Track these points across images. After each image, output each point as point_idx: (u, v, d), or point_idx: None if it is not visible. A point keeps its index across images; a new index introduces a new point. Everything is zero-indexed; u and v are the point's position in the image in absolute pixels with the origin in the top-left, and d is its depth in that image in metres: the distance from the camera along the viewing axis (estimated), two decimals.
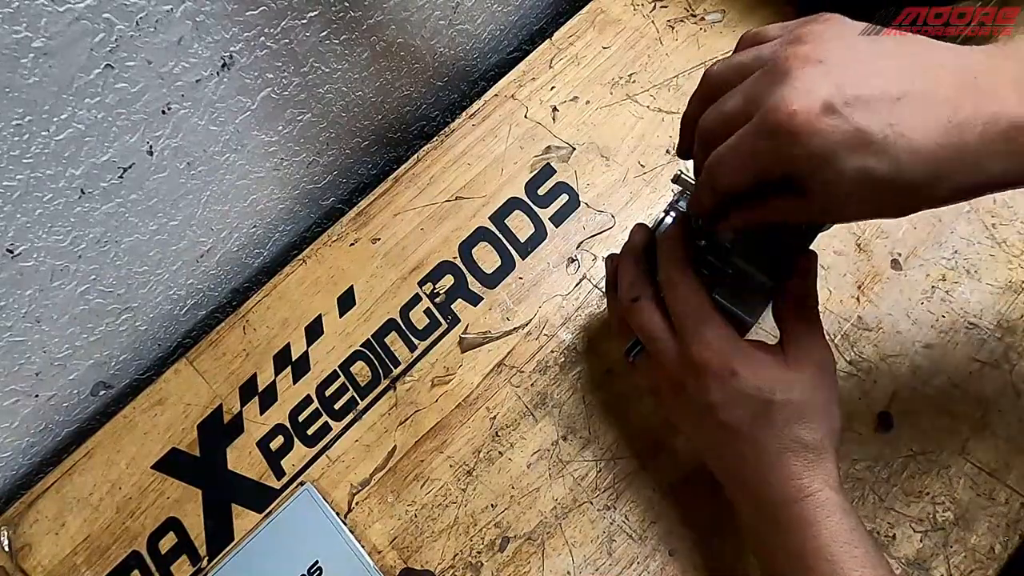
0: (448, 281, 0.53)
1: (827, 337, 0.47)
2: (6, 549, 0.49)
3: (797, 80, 0.27)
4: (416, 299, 0.53)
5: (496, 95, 0.58)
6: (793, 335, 0.36)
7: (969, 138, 0.26)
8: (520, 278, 0.53)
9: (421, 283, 0.53)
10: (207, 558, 0.48)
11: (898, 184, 0.26)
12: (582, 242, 0.53)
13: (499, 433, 0.49)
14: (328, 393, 0.51)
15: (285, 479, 0.50)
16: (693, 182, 0.39)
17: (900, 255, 0.49)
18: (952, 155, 0.26)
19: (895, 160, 0.26)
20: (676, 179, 0.40)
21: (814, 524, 0.33)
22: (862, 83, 0.26)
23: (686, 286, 0.37)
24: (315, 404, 0.51)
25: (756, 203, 0.32)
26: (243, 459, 0.50)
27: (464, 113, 0.58)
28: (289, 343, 0.53)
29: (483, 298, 0.53)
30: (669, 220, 0.40)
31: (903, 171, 0.26)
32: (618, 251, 0.41)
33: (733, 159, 0.29)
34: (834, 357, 0.36)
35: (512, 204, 0.55)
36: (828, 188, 0.27)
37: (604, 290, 0.51)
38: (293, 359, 0.53)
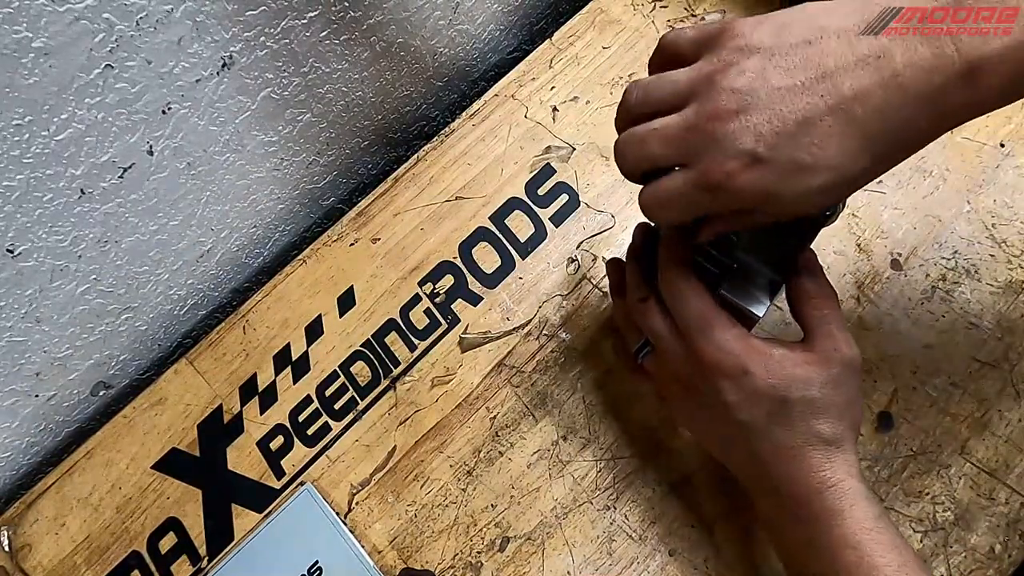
0: (448, 281, 0.53)
1: None
2: (6, 549, 0.49)
3: (723, 141, 0.29)
4: (416, 299, 0.53)
5: (496, 95, 0.58)
6: (817, 334, 0.36)
7: (889, 104, 0.27)
8: (520, 278, 0.53)
9: (421, 283, 0.53)
10: (207, 558, 0.48)
11: (841, 183, 0.29)
12: (582, 242, 0.53)
13: (499, 433, 0.49)
14: (328, 393, 0.51)
15: (285, 479, 0.50)
16: None
17: (900, 255, 0.49)
18: (879, 136, 0.28)
19: (829, 169, 0.28)
20: None
21: (838, 513, 0.33)
22: (779, 120, 0.28)
23: (687, 287, 0.37)
24: (315, 404, 0.51)
25: (717, 218, 0.33)
26: (243, 459, 0.50)
27: (464, 113, 0.58)
28: (289, 343, 0.53)
29: (483, 298, 0.53)
30: None
31: (842, 173, 0.28)
32: (619, 252, 0.41)
33: (673, 204, 0.32)
34: (860, 353, 0.36)
35: (512, 204, 0.55)
36: (777, 210, 0.30)
37: (608, 291, 0.51)
38: (293, 359, 0.53)
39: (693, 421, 0.40)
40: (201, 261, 0.55)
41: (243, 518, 0.49)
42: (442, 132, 0.58)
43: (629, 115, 0.34)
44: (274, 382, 0.52)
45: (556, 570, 0.45)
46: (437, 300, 0.53)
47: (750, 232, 0.37)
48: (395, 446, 0.49)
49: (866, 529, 0.32)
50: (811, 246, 0.38)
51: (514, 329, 0.51)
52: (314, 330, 0.53)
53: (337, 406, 0.51)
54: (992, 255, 0.48)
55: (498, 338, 0.51)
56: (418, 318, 0.53)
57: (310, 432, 0.51)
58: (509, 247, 0.54)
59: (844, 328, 0.36)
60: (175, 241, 0.51)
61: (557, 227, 0.54)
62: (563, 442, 0.48)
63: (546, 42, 0.59)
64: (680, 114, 0.31)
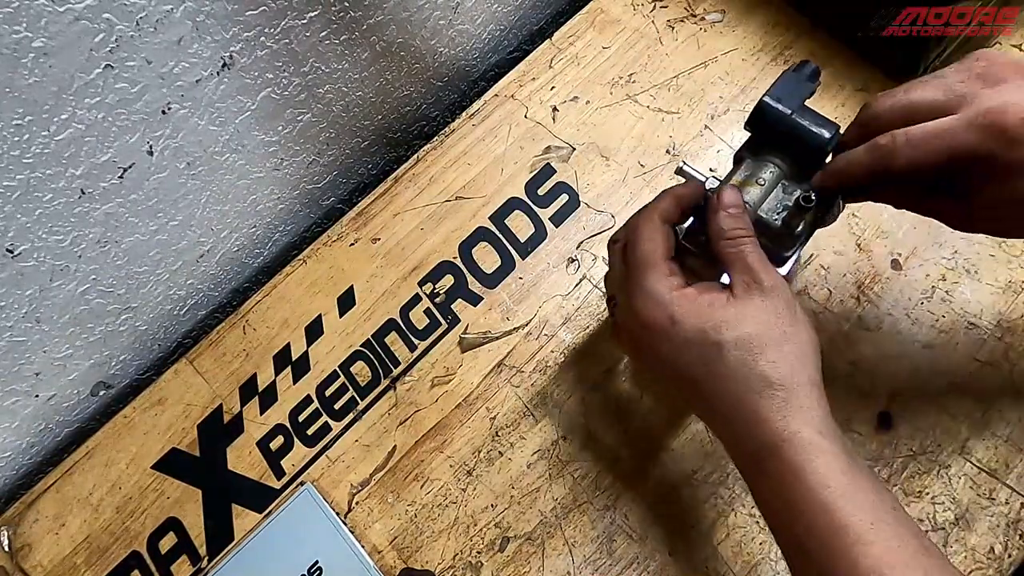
0: (448, 281, 0.53)
1: (827, 336, 0.47)
2: (6, 549, 0.49)
3: (1009, 89, 0.30)
4: (416, 299, 0.53)
5: (496, 95, 0.58)
6: (735, 269, 0.34)
7: None
8: (520, 278, 0.53)
9: (421, 283, 0.53)
10: (207, 558, 0.48)
11: None
12: (582, 242, 0.53)
13: (499, 433, 0.49)
14: (328, 393, 0.51)
15: (285, 479, 0.50)
16: (696, 173, 0.40)
17: (900, 255, 0.49)
18: None
19: None
20: (679, 171, 0.41)
21: (798, 469, 0.30)
22: None
23: (645, 232, 0.35)
24: (315, 404, 0.51)
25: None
26: (243, 459, 0.50)
27: (464, 113, 0.58)
28: (289, 343, 0.53)
29: (483, 298, 0.53)
30: None
31: None
32: None
33: (929, 141, 0.31)
34: (786, 283, 0.34)
35: (512, 204, 0.55)
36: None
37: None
38: (293, 359, 0.53)
39: (654, 377, 0.39)
40: (201, 261, 0.55)
41: (243, 518, 0.49)
42: (442, 132, 0.58)
43: (877, 121, 0.34)
44: (274, 382, 0.52)
45: (556, 570, 0.45)
46: (437, 300, 0.53)
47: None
48: (395, 446, 0.49)
49: (827, 487, 0.30)
50: (806, 242, 0.38)
51: (514, 329, 0.51)
52: (314, 330, 0.53)
53: (337, 406, 0.51)
54: (992, 255, 0.48)
55: (498, 338, 0.51)
56: (418, 318, 0.53)
57: (310, 432, 0.51)
58: (509, 247, 0.54)
59: (763, 259, 0.34)
60: (175, 241, 0.51)
61: (557, 227, 0.54)
62: (563, 442, 0.48)
63: (546, 42, 0.59)
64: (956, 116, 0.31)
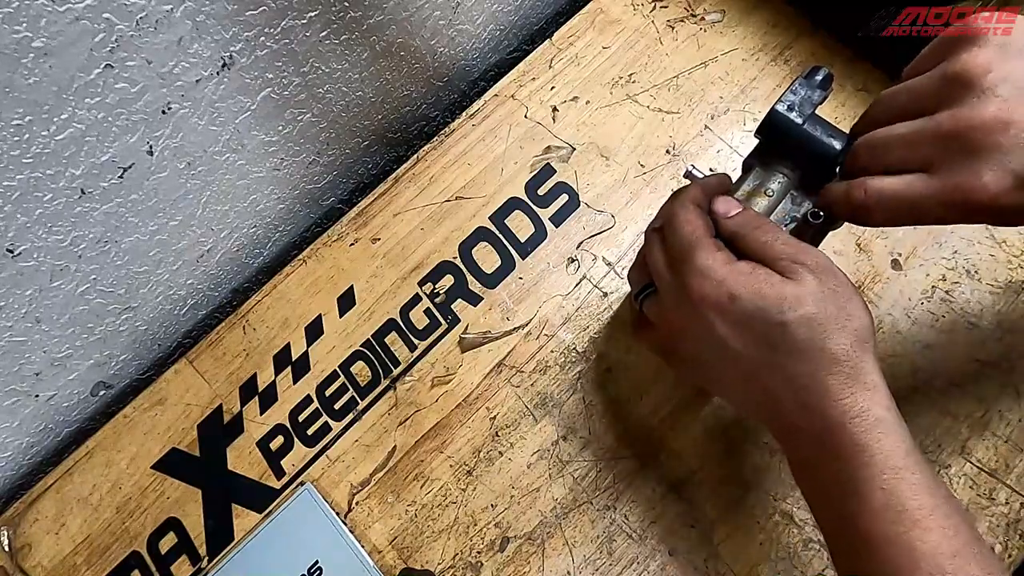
0: (448, 281, 0.53)
1: None
2: (6, 549, 0.49)
3: (986, 155, 0.29)
4: (416, 299, 0.53)
5: (496, 95, 0.58)
6: (776, 255, 0.33)
7: None
8: (520, 278, 0.53)
9: (421, 283, 0.53)
10: (207, 558, 0.48)
11: None
12: (582, 242, 0.53)
13: (499, 433, 0.49)
14: (328, 393, 0.51)
15: (285, 479, 0.50)
16: (703, 177, 0.40)
17: (900, 255, 0.49)
18: None
19: None
20: (688, 175, 0.41)
21: (864, 449, 0.30)
22: None
23: (682, 213, 0.35)
24: (315, 404, 0.51)
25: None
26: (243, 459, 0.50)
27: (464, 113, 0.58)
28: (289, 343, 0.53)
29: (483, 298, 0.53)
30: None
31: None
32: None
33: (901, 210, 0.32)
34: (829, 258, 0.33)
35: (512, 204, 0.55)
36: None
37: (607, 292, 0.51)
38: (293, 359, 0.53)
39: (698, 371, 0.37)
40: (201, 261, 0.55)
41: (243, 518, 0.49)
42: (442, 132, 0.58)
43: (874, 123, 0.33)
44: (274, 382, 0.52)
45: (556, 570, 0.45)
46: (437, 300, 0.53)
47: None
48: (395, 446, 0.49)
49: (896, 467, 0.29)
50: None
51: (514, 329, 0.51)
52: (314, 330, 0.53)
53: (337, 406, 0.51)
54: (992, 255, 0.48)
55: (498, 338, 0.51)
56: (418, 318, 0.53)
57: (310, 432, 0.51)
58: (509, 247, 0.54)
59: (793, 240, 0.34)
60: (175, 241, 0.51)
61: (557, 227, 0.54)
62: (563, 442, 0.48)
63: (546, 42, 0.59)
64: (932, 118, 0.30)
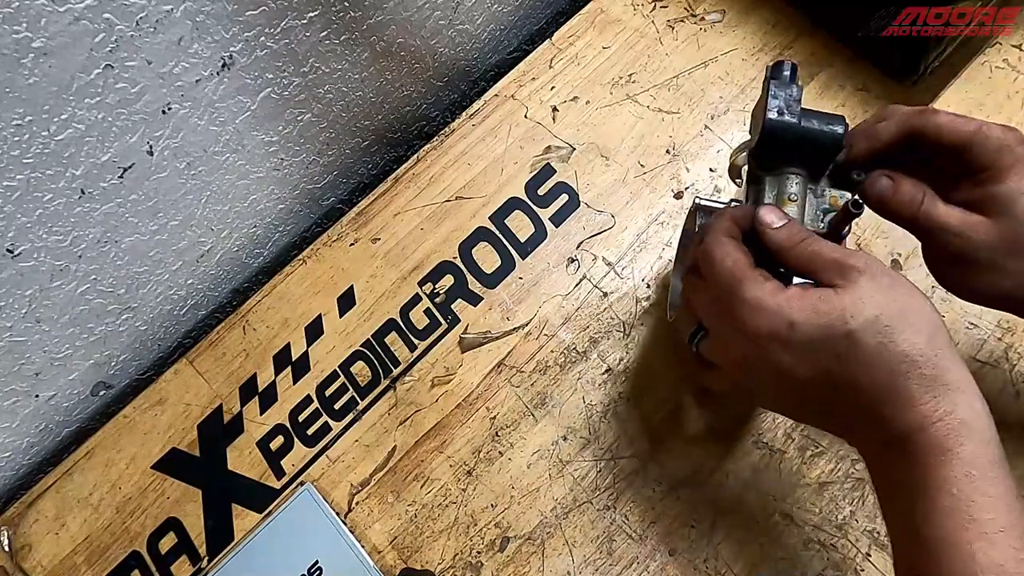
0: (448, 281, 0.53)
1: None
2: (6, 549, 0.49)
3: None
4: (416, 299, 0.53)
5: (496, 95, 0.58)
6: (817, 272, 0.32)
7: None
8: (520, 278, 0.53)
9: (421, 283, 0.53)
10: (207, 558, 0.48)
11: None
12: (582, 242, 0.53)
13: (499, 433, 0.49)
14: (328, 393, 0.51)
15: (285, 479, 0.50)
16: (715, 204, 0.40)
17: (900, 255, 0.49)
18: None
19: None
20: (697, 208, 0.41)
21: (944, 452, 0.28)
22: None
23: (719, 249, 0.34)
24: (315, 404, 0.51)
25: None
26: (243, 459, 0.50)
27: (464, 113, 0.58)
28: (289, 343, 0.53)
29: (483, 298, 0.53)
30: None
31: None
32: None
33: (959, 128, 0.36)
34: (878, 258, 0.32)
35: (512, 204, 0.55)
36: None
37: (607, 292, 0.51)
38: (293, 359, 0.53)
39: (778, 402, 0.35)
40: (201, 261, 0.55)
41: (243, 518, 0.49)
42: (442, 132, 0.58)
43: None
44: (274, 382, 0.52)
45: (556, 570, 0.45)
46: (437, 300, 0.53)
47: None
48: (395, 446, 0.49)
49: (971, 476, 0.27)
50: (847, 236, 0.38)
51: (514, 329, 0.51)
52: (314, 330, 0.53)
53: (337, 406, 0.51)
54: None
55: (498, 338, 0.51)
56: (418, 318, 0.53)
57: (310, 432, 0.51)
58: (509, 247, 0.54)
59: (839, 248, 0.33)
60: (175, 241, 0.51)
61: (557, 227, 0.54)
62: (563, 442, 0.48)
63: (546, 42, 0.59)
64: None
